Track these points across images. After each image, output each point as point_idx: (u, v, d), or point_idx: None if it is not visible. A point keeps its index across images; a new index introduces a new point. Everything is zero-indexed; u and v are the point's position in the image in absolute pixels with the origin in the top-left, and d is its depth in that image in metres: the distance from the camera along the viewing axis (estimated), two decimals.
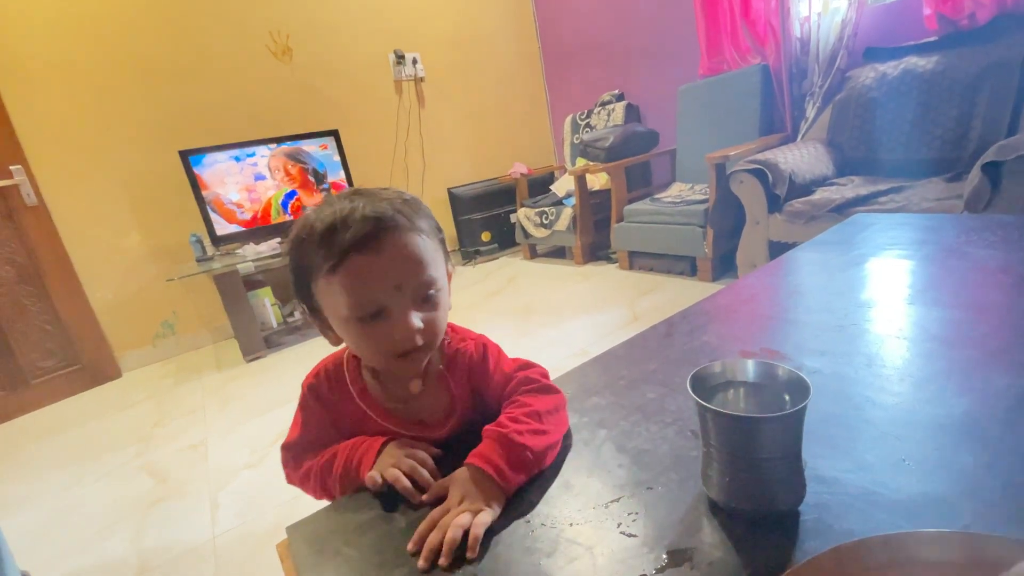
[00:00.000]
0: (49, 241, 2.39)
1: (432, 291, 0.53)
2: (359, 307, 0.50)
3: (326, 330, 0.57)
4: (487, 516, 0.45)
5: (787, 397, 0.41)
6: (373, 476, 0.51)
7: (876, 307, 0.75)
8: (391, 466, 0.52)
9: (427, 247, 0.53)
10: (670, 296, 2.34)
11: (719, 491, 0.41)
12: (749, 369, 0.43)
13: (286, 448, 0.62)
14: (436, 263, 0.54)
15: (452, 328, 0.63)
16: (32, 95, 2.30)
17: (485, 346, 0.63)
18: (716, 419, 0.39)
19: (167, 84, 2.58)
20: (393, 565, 0.43)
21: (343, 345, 0.59)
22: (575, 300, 2.54)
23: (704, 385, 0.43)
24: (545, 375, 0.62)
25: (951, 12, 1.94)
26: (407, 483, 0.50)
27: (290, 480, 0.62)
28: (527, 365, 0.63)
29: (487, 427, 0.53)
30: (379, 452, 0.55)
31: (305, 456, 0.60)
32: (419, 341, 0.52)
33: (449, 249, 0.55)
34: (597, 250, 3.12)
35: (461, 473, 0.50)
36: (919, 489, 0.41)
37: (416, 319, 0.52)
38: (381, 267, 0.50)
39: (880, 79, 2.05)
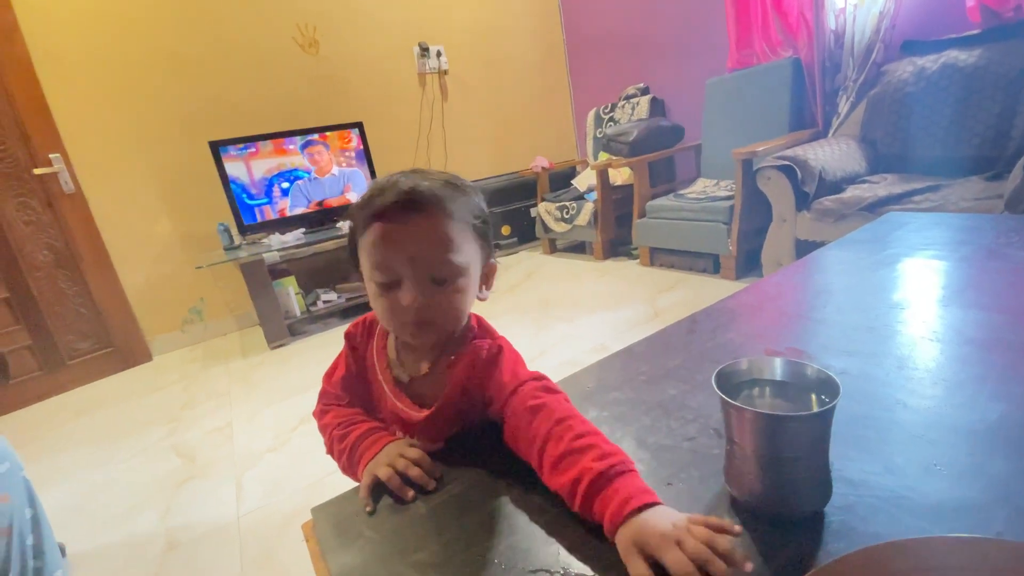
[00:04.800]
0: (85, 227, 2.47)
1: (448, 274, 0.54)
2: (377, 271, 0.53)
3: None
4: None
5: (815, 397, 0.41)
6: (367, 476, 0.53)
7: (909, 308, 0.73)
8: (385, 464, 0.53)
9: (453, 231, 0.53)
10: (692, 293, 2.31)
11: (742, 489, 0.41)
12: (776, 367, 0.43)
13: (325, 379, 0.68)
14: (462, 249, 0.54)
15: (481, 324, 0.63)
16: (70, 87, 2.38)
17: (500, 348, 0.59)
18: (742, 416, 0.39)
19: (198, 76, 2.64)
20: (414, 550, 0.44)
21: None
22: (594, 295, 2.53)
23: (729, 382, 0.43)
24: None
25: (995, 4, 1.86)
26: (399, 481, 0.51)
27: (315, 414, 0.68)
28: (541, 377, 0.57)
29: (583, 472, 0.43)
30: (379, 452, 0.56)
31: (332, 400, 0.67)
32: (418, 316, 0.53)
33: (453, 262, 0.54)
34: (618, 246, 3.09)
35: (642, 525, 0.39)
36: (951, 495, 0.40)
37: (421, 296, 0.53)
38: (399, 237, 0.52)
39: (918, 73, 1.98)
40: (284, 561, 1.16)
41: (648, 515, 0.39)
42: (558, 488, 0.45)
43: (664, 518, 0.39)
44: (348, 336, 0.67)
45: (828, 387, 0.40)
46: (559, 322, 2.25)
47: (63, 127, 2.37)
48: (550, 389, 0.54)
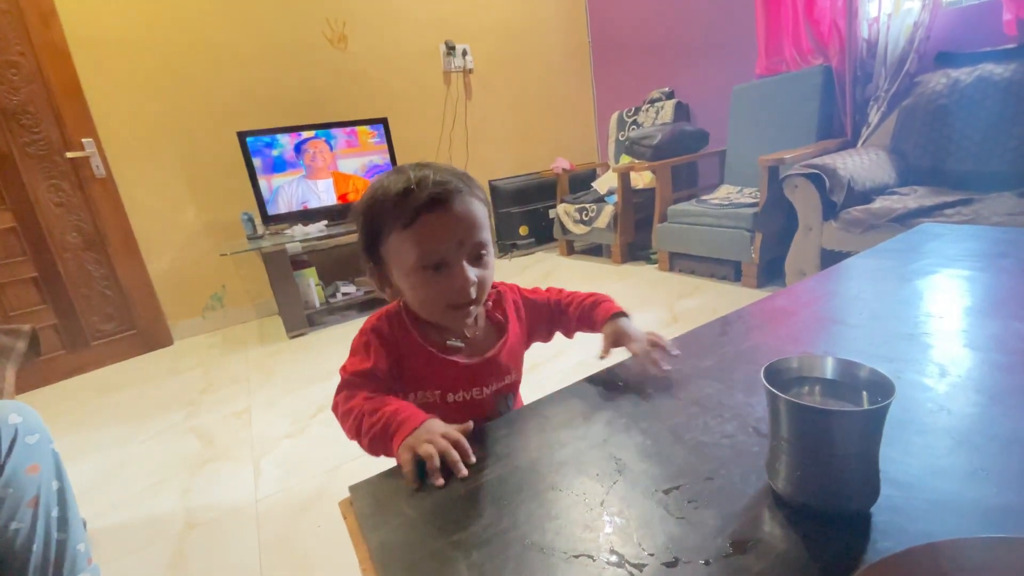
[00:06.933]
0: (114, 211, 2.52)
1: (484, 251, 0.62)
2: (425, 257, 0.58)
3: (385, 285, 0.66)
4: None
5: (865, 396, 0.41)
6: (406, 451, 0.52)
7: (948, 318, 0.72)
8: (426, 442, 0.52)
9: (482, 213, 0.62)
10: (711, 300, 2.29)
11: (788, 485, 0.41)
12: (827, 366, 0.42)
13: (344, 371, 0.65)
14: (487, 228, 0.64)
15: None
16: (105, 72, 2.43)
17: (519, 288, 0.79)
18: (793, 411, 0.38)
19: (229, 67, 2.69)
20: (454, 530, 0.44)
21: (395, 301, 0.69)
22: (612, 298, 2.52)
23: (776, 379, 0.42)
24: None
25: None
26: (438, 463, 0.50)
27: (334, 408, 0.65)
28: (547, 289, 0.82)
29: (592, 308, 0.76)
30: (417, 427, 0.55)
31: (360, 388, 0.62)
32: (472, 294, 0.60)
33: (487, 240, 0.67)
34: (636, 250, 3.08)
35: (620, 326, 0.70)
36: (998, 500, 0.40)
37: (471, 273, 0.60)
38: (447, 224, 0.58)
39: (952, 86, 1.95)
40: (300, 545, 1.17)
41: (624, 322, 0.71)
42: (577, 323, 0.77)
43: (632, 326, 0.70)
44: (377, 330, 0.66)
45: (880, 387, 0.39)
46: None
47: (96, 112, 2.43)
48: (551, 289, 0.83)
